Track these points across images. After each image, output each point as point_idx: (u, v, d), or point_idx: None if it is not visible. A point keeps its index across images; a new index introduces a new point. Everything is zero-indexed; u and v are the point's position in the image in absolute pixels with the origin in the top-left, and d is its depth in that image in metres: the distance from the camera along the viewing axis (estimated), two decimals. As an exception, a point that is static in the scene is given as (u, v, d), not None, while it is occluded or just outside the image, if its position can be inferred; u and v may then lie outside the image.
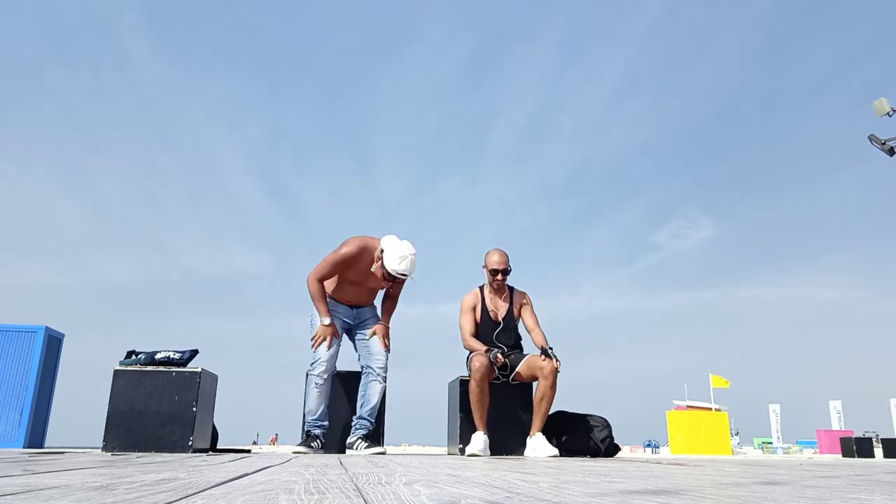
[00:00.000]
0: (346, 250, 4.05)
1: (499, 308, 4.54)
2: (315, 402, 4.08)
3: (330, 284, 4.21)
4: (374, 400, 4.10)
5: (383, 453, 3.97)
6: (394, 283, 4.15)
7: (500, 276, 4.50)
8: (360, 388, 4.14)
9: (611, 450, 4.52)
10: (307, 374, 4.16)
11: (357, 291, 4.29)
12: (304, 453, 3.94)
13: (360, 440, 4.05)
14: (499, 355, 4.25)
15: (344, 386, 4.32)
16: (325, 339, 4.09)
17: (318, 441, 4.09)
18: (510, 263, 4.53)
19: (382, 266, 4.01)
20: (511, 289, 4.63)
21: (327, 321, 4.12)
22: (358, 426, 4.10)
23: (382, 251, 4.03)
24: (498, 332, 4.47)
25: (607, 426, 4.56)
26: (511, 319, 4.53)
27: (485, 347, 4.34)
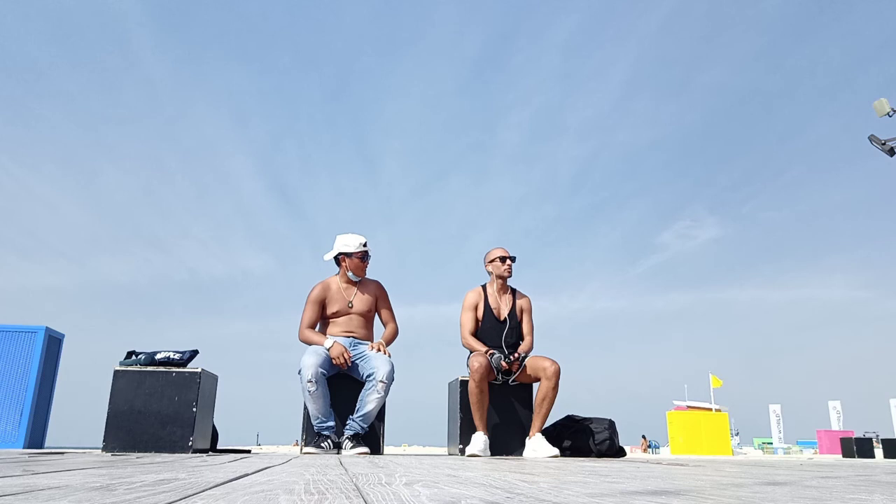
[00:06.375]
0: (312, 292, 4.38)
1: (502, 306, 4.53)
2: (314, 407, 4.08)
3: (324, 330, 4.42)
4: (369, 407, 4.07)
5: (367, 453, 3.99)
6: (367, 262, 4.43)
7: (508, 262, 4.53)
8: (360, 395, 4.14)
9: (613, 452, 4.51)
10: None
11: (348, 320, 4.36)
12: (315, 454, 3.95)
13: (347, 440, 4.08)
14: (503, 362, 4.25)
15: (345, 388, 4.30)
16: (341, 353, 4.11)
17: (328, 441, 4.09)
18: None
19: (348, 256, 4.37)
20: (514, 291, 4.64)
21: (329, 343, 4.15)
22: (348, 427, 4.12)
23: (340, 254, 4.39)
24: (505, 333, 4.46)
25: (608, 428, 4.55)
26: (514, 317, 4.53)
27: (483, 348, 4.34)
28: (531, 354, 4.44)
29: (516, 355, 4.30)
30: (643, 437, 33.58)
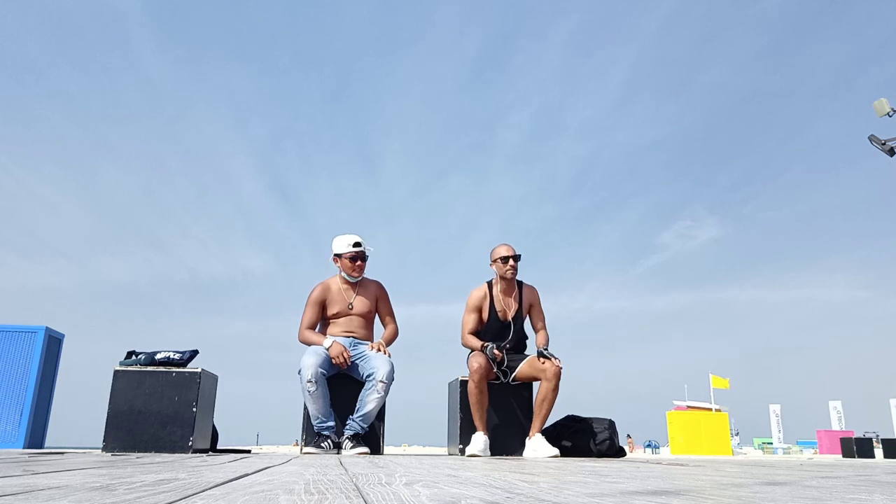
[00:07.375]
0: (312, 293, 4.39)
1: (509, 306, 4.44)
2: (314, 407, 4.08)
3: (325, 330, 4.42)
4: (369, 408, 4.07)
5: (367, 453, 3.99)
6: (362, 262, 4.39)
7: (512, 262, 4.38)
8: (360, 395, 4.14)
9: (613, 452, 4.51)
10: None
11: (348, 320, 4.35)
12: (316, 454, 3.95)
13: (347, 440, 4.08)
14: (496, 350, 4.22)
15: (345, 388, 4.30)
16: (340, 353, 4.11)
17: (328, 441, 4.10)
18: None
19: (341, 258, 4.36)
20: (521, 284, 4.53)
21: (329, 342, 4.15)
22: (348, 427, 4.12)
23: (335, 255, 4.39)
24: (510, 335, 4.41)
25: (608, 428, 4.55)
26: (520, 319, 4.47)
27: (480, 343, 4.30)
28: (530, 355, 4.42)
29: (548, 354, 4.26)
30: (628, 436, 33.15)
